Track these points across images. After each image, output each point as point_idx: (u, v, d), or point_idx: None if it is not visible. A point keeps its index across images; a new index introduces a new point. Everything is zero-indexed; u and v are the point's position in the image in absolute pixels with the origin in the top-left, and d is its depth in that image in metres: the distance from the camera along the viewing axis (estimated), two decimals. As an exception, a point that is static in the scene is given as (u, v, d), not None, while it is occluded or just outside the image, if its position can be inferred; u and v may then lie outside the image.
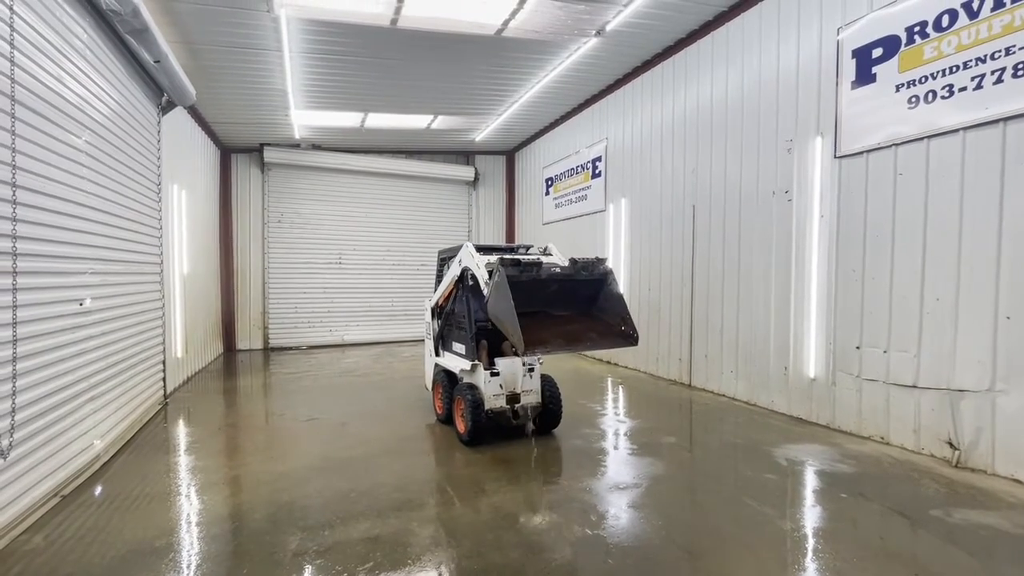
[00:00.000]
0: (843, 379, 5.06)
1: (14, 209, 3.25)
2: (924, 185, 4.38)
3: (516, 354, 4.80)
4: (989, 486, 3.78)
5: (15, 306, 3.26)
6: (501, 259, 4.09)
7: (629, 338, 4.27)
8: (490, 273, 4.23)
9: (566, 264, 4.36)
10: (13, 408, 3.23)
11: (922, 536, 3.14)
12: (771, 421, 5.44)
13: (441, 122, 9.92)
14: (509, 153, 12.76)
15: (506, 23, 6.11)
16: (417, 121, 9.84)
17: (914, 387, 4.47)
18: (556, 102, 9.29)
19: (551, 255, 4.86)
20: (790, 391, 5.61)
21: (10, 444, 3.19)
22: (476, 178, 12.53)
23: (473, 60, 7.15)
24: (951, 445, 4.20)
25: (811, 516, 3.41)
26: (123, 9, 4.30)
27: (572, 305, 4.52)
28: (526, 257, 4.32)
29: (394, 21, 5.91)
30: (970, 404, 4.11)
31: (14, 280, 3.26)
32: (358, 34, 6.21)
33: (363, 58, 6.87)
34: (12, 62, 3.25)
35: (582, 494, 3.73)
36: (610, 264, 4.55)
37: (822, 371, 5.26)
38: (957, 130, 4.13)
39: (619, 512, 3.47)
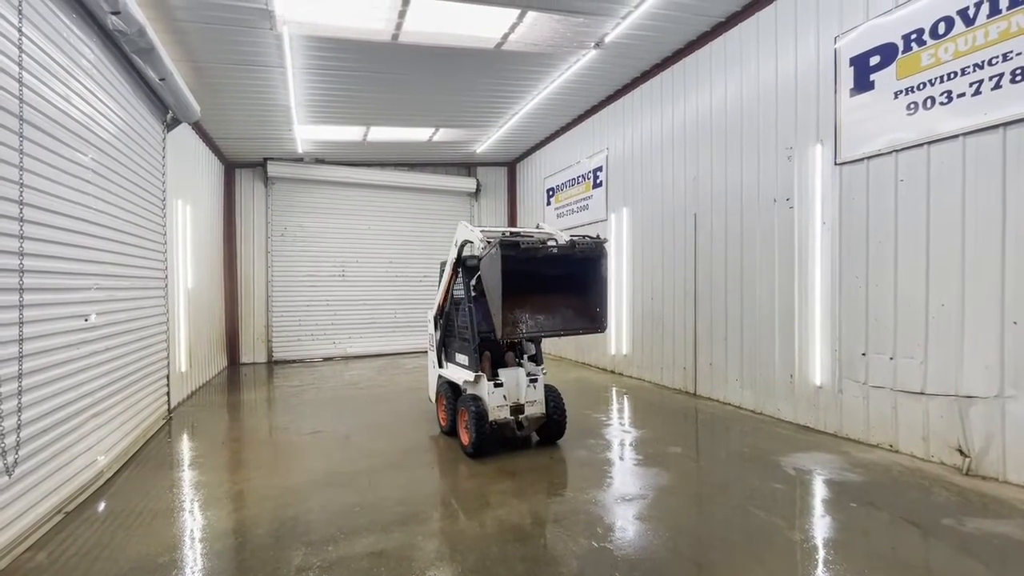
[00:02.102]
0: (849, 386, 5.02)
1: (21, 226, 3.29)
2: (926, 191, 4.38)
3: (502, 342, 4.93)
4: (1001, 494, 3.72)
5: (22, 322, 3.28)
6: (503, 238, 4.11)
7: (597, 322, 4.56)
8: (490, 242, 4.30)
9: (564, 243, 4.40)
10: (19, 424, 3.24)
11: (934, 546, 3.09)
12: (778, 430, 5.39)
13: (442, 134, 10.01)
14: (510, 164, 12.84)
15: (506, 36, 6.18)
16: (419, 134, 9.93)
17: (922, 394, 4.43)
18: (556, 113, 9.36)
19: (542, 228, 4.90)
20: (796, 399, 5.56)
21: (15, 461, 3.19)
22: (478, 189, 12.59)
23: (473, 73, 7.23)
24: (961, 452, 4.15)
25: (821, 526, 3.37)
26: (129, 29, 4.38)
27: (561, 273, 4.60)
28: (527, 235, 4.33)
29: (395, 36, 6.00)
30: (979, 410, 4.06)
31: (21, 296, 3.28)
32: (359, 50, 6.29)
33: (365, 73, 6.95)
34: (21, 82, 3.31)
35: (588, 506, 3.69)
36: (609, 247, 4.63)
37: (828, 379, 5.22)
38: (957, 136, 4.14)
39: (626, 524, 3.43)
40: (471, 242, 4.75)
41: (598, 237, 4.52)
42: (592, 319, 4.57)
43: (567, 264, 4.51)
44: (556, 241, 4.36)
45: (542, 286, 4.53)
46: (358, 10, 5.46)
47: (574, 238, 4.43)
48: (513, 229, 4.17)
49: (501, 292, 4.00)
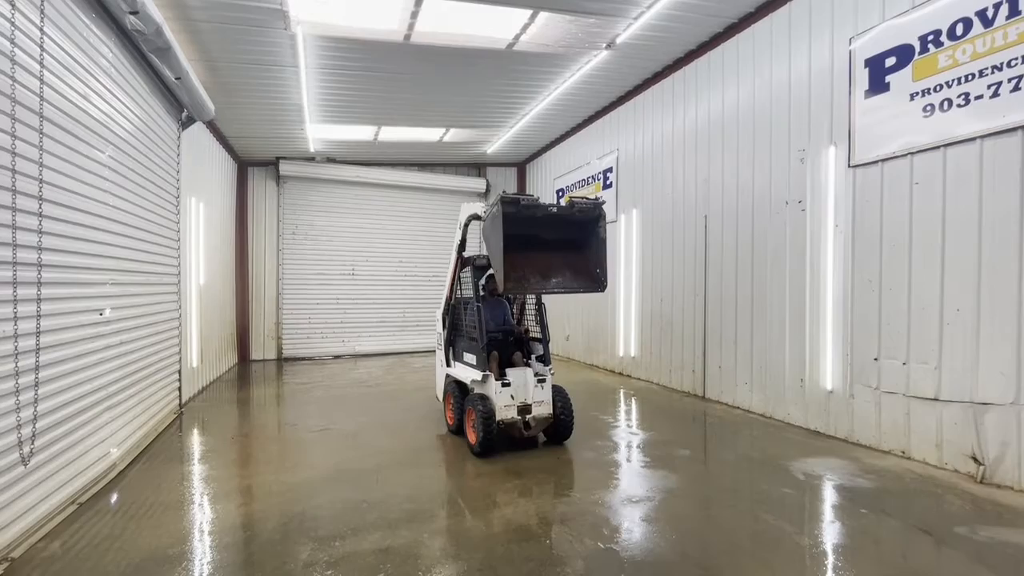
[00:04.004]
0: (861, 391, 4.96)
1: (40, 222, 3.35)
2: (941, 194, 4.32)
3: (499, 293, 4.99)
4: (1016, 503, 3.66)
5: (39, 315, 3.35)
6: (503, 195, 4.22)
7: (598, 282, 4.59)
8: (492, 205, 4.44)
9: (563, 204, 4.54)
10: (35, 416, 3.30)
11: (946, 555, 3.04)
12: (787, 434, 5.33)
13: (453, 135, 10.04)
14: (520, 165, 12.84)
15: (517, 37, 6.19)
16: (429, 134, 9.98)
17: (935, 400, 4.36)
18: (567, 114, 9.36)
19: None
20: (807, 404, 5.50)
21: (31, 451, 3.25)
22: (487, 190, 12.61)
23: (485, 74, 7.24)
24: (975, 460, 4.08)
25: (830, 532, 3.33)
26: (147, 29, 4.45)
27: (562, 237, 4.70)
28: (527, 197, 4.51)
29: (407, 36, 6.03)
30: (994, 418, 3.99)
31: (39, 290, 3.34)
32: (372, 50, 6.33)
33: (377, 73, 7.00)
34: (42, 81, 3.38)
35: (595, 507, 3.68)
36: (606, 208, 4.79)
37: (839, 383, 5.16)
38: (974, 138, 4.08)
39: (632, 526, 3.42)
40: (478, 216, 4.87)
41: (596, 199, 4.58)
42: (592, 279, 4.63)
43: (567, 227, 4.63)
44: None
45: (544, 248, 4.63)
46: (371, 10, 5.50)
47: (573, 198, 4.53)
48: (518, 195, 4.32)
49: (503, 246, 4.09)
